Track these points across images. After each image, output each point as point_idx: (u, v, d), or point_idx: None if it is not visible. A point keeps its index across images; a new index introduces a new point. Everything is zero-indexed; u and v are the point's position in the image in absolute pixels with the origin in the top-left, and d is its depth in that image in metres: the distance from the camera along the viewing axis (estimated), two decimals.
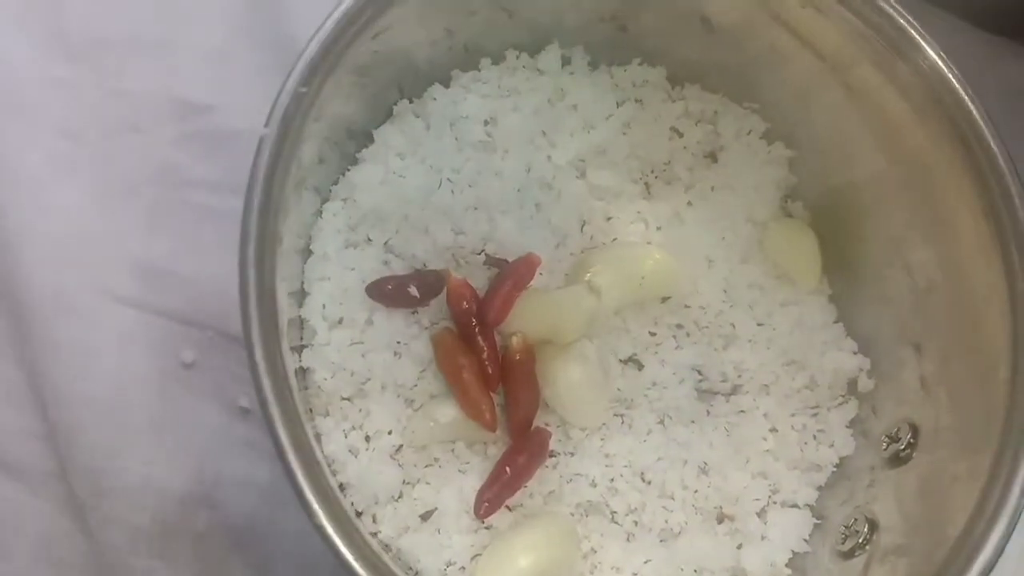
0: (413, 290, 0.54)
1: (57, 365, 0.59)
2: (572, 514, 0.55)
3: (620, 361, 0.58)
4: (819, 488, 0.57)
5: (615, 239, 0.59)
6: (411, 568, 0.52)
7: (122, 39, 0.64)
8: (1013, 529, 0.46)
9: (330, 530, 0.42)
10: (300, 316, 0.54)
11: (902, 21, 0.51)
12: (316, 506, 0.42)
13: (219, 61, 0.65)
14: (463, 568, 0.52)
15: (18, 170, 0.62)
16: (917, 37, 0.51)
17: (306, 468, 0.43)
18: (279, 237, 0.46)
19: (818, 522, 0.56)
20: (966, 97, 0.50)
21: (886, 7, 0.51)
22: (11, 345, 0.60)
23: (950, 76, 0.50)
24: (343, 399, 0.54)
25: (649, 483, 0.56)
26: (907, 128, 0.53)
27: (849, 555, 0.54)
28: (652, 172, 0.61)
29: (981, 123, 0.50)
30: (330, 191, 0.56)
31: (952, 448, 0.51)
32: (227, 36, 0.65)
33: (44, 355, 0.60)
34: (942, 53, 0.50)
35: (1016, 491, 0.46)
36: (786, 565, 0.55)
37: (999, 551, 0.46)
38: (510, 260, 0.56)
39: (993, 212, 0.50)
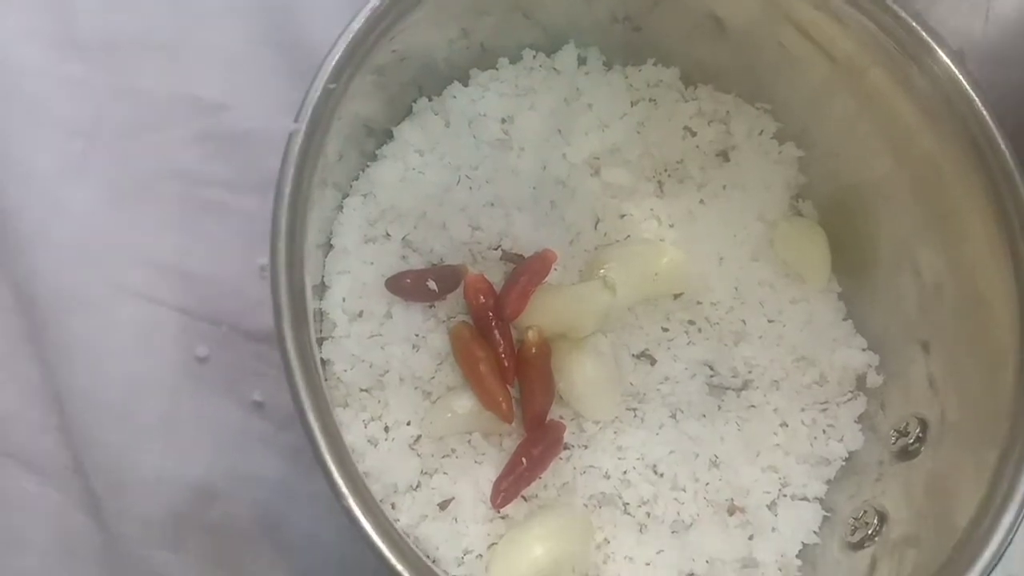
0: (431, 284, 0.55)
1: (72, 361, 0.60)
2: (586, 505, 0.56)
3: (633, 356, 0.58)
4: (828, 482, 0.58)
5: (628, 236, 0.60)
6: (429, 556, 0.52)
7: (135, 38, 0.64)
8: (1021, 520, 0.47)
9: (358, 512, 0.43)
10: (320, 309, 0.55)
11: (915, 24, 0.51)
12: (345, 489, 0.43)
13: (232, 61, 0.64)
14: (479, 556, 0.53)
15: (32, 169, 0.62)
16: (930, 40, 0.51)
17: (336, 455, 0.44)
18: (306, 230, 0.47)
19: (827, 515, 0.57)
20: (978, 100, 0.51)
21: (899, 11, 0.51)
22: (27, 342, 0.61)
23: (962, 79, 0.51)
24: (362, 391, 0.54)
25: (661, 476, 0.56)
26: (918, 130, 0.54)
27: (858, 546, 0.54)
28: (665, 170, 0.62)
29: (992, 126, 0.50)
30: (350, 187, 0.57)
31: (960, 444, 0.52)
32: (240, 37, 0.65)
33: (59, 352, 0.60)
34: (954, 56, 0.51)
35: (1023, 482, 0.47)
36: (796, 556, 0.56)
37: (1007, 541, 0.47)
38: (526, 256, 0.57)
39: (1003, 215, 0.50)
